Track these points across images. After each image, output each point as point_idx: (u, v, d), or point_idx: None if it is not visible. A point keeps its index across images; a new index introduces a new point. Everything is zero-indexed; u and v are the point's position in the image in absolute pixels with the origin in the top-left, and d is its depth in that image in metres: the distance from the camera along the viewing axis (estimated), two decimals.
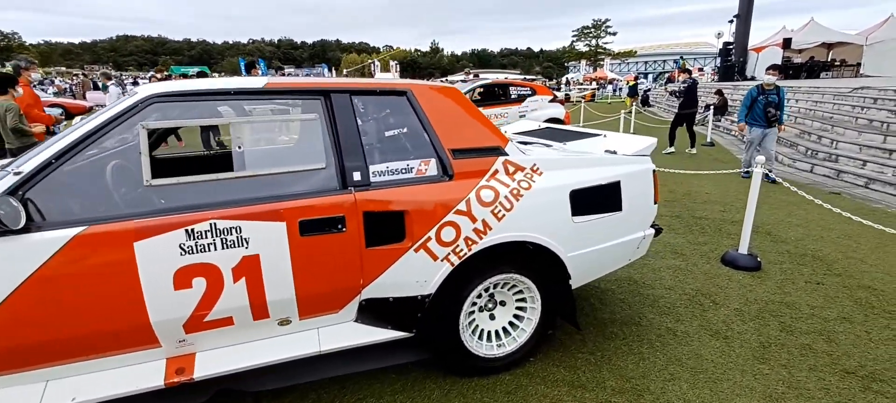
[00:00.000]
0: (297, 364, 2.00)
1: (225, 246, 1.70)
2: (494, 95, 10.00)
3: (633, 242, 2.49)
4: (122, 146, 1.89)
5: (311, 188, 1.86)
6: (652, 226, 2.65)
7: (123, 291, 1.60)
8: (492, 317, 2.37)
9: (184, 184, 1.72)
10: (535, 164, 2.21)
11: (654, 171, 2.51)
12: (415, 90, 2.11)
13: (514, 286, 2.30)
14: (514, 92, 9.82)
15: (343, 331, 2.04)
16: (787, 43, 19.61)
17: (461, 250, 2.02)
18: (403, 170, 2.01)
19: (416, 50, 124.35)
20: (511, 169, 2.16)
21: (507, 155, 2.17)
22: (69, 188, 1.65)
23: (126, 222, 1.60)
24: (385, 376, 2.32)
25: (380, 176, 1.97)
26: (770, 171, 6.00)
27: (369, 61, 58.21)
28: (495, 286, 2.27)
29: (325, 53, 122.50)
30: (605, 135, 2.94)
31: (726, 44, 20.58)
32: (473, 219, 2.02)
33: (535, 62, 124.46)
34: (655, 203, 2.54)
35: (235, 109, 2.10)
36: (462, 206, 2.00)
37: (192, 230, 1.65)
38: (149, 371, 1.74)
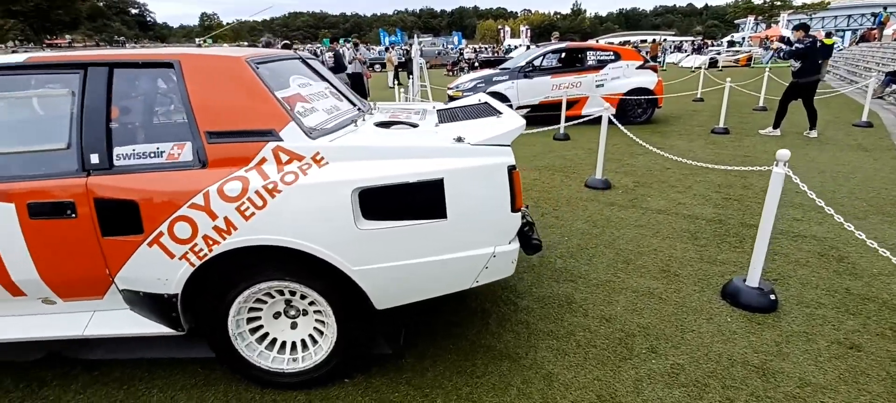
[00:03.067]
0: (124, 342, 2.08)
1: None
2: (572, 62, 8.87)
3: (475, 260, 1.89)
4: None
5: (46, 170, 1.78)
6: (525, 241, 2.00)
7: None
8: (294, 326, 2.06)
9: None
10: (317, 153, 1.79)
11: (511, 168, 1.84)
12: (184, 62, 1.85)
13: (306, 296, 1.95)
14: (592, 58, 8.55)
15: (117, 319, 1.97)
16: None
17: (201, 250, 1.75)
18: (153, 154, 1.80)
19: (556, 13, 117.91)
20: (284, 157, 1.78)
21: (281, 140, 1.79)
22: None
23: None
24: (193, 370, 2.21)
25: (125, 159, 1.79)
26: None
27: (498, 27, 57.02)
28: (288, 293, 1.95)
29: (462, 21, 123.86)
30: (500, 115, 2.28)
31: None
32: (213, 216, 1.72)
33: (696, 20, 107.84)
34: (515, 210, 1.88)
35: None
36: (198, 200, 1.72)
37: None
38: None
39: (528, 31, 50.50)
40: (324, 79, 2.56)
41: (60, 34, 50.63)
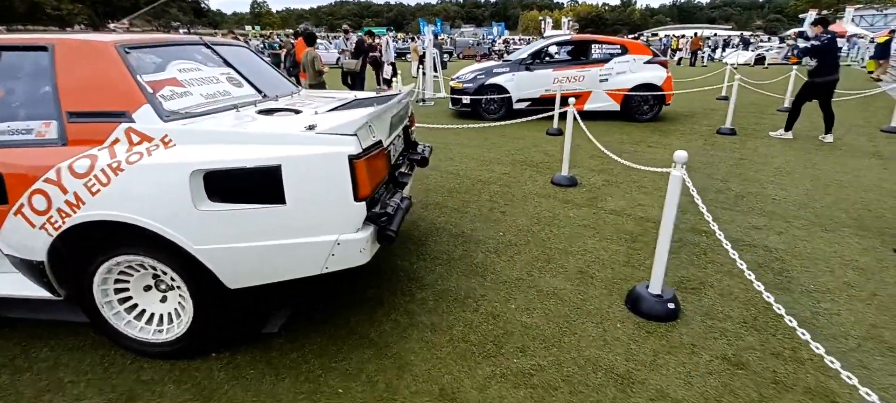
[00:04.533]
0: (42, 304, 2.23)
1: None
2: (577, 55, 8.61)
3: (319, 247, 1.92)
4: None
5: None
6: (378, 230, 2.01)
7: None
8: (164, 300, 2.18)
9: None
10: (166, 135, 1.87)
11: (353, 158, 1.85)
12: (58, 46, 1.98)
13: (167, 271, 2.05)
14: (596, 51, 8.24)
15: (9, 281, 2.16)
16: None
17: (56, 221, 1.88)
18: (23, 131, 1.95)
19: (605, 4, 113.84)
20: (135, 138, 1.88)
21: (133, 122, 1.89)
22: None
23: None
24: (85, 333, 2.36)
25: (9, 135, 1.95)
26: None
27: (539, 18, 55.73)
28: (152, 267, 2.06)
29: (506, 11, 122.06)
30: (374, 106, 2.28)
31: None
32: (64, 190, 1.84)
33: (756, 14, 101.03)
34: (359, 199, 1.89)
35: None
36: (51, 175, 1.85)
37: None
38: None
39: (571, 22, 49.11)
40: (228, 65, 2.65)
41: (116, 18, 53.78)
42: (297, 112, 2.33)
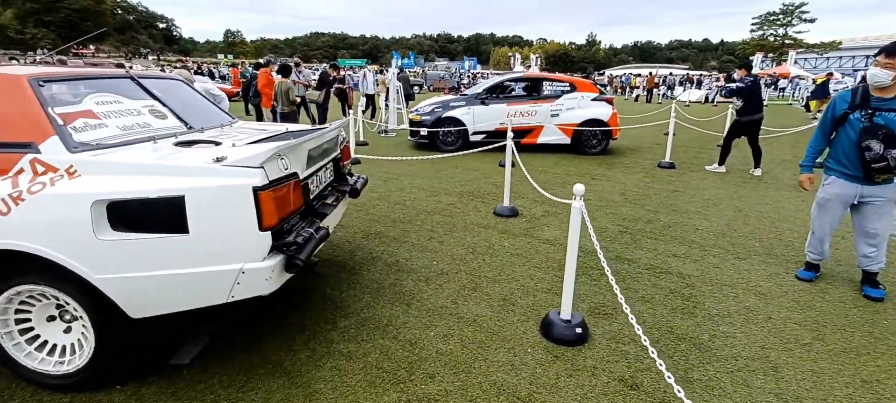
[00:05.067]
0: None
1: None
2: (529, 91, 9.00)
3: (224, 276, 1.96)
4: None
5: None
6: (287, 258, 2.07)
7: None
8: (68, 330, 2.15)
9: None
10: (71, 166, 1.91)
11: (256, 189, 1.93)
12: None
13: (69, 302, 2.04)
14: (548, 88, 8.66)
15: None
16: None
17: None
18: None
19: (571, 43, 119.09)
20: (40, 168, 1.91)
21: (39, 153, 1.92)
22: None
23: None
24: None
25: None
26: (878, 285, 3.21)
27: (509, 54, 57.77)
28: (50, 297, 2.04)
29: (478, 46, 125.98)
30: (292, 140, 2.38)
31: None
32: None
33: (711, 56, 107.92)
34: (264, 229, 1.96)
35: None
36: None
37: None
38: None
39: (539, 59, 51.04)
40: (154, 98, 2.71)
41: (87, 45, 52.80)
42: (216, 144, 2.40)
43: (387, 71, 12.39)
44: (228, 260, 1.96)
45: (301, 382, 2.24)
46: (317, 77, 12.11)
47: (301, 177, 2.36)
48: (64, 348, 2.14)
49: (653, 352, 1.98)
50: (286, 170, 2.19)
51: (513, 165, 7.35)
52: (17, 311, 2.07)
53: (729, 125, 7.55)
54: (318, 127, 2.92)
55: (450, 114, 8.56)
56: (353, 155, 5.12)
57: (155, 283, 1.94)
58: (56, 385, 2.13)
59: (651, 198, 5.67)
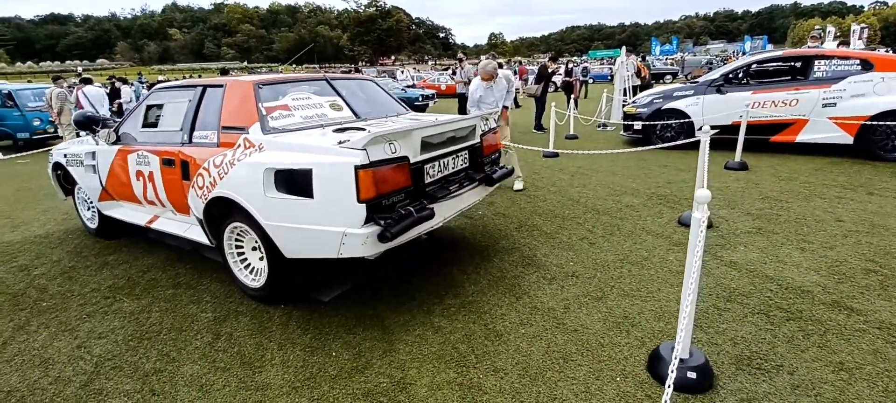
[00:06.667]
0: None
1: (147, 163, 3.47)
2: (790, 74, 6.92)
3: (333, 235, 2.44)
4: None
5: (169, 141, 3.33)
6: (381, 230, 2.41)
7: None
8: (262, 259, 3.08)
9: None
10: (262, 144, 2.74)
11: (358, 167, 2.33)
12: (228, 85, 3.10)
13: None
14: (821, 68, 6.45)
15: (194, 231, 3.44)
16: None
17: (205, 195, 2.95)
18: (206, 137, 3.11)
19: None
20: (246, 144, 2.81)
21: (248, 133, 2.82)
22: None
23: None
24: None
25: (200, 139, 3.17)
26: None
27: (815, 28, 44.14)
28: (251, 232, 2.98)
29: (772, 22, 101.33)
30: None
31: None
32: (209, 174, 2.89)
33: None
34: (361, 201, 2.35)
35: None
36: (207, 165, 2.92)
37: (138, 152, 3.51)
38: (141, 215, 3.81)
39: (865, 30, 37.15)
40: (338, 94, 3.47)
41: (388, 55, 68.05)
42: (362, 130, 2.94)
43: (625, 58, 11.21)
44: (336, 223, 2.44)
45: (388, 338, 2.57)
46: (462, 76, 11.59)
47: (413, 161, 2.66)
48: (257, 270, 3.09)
49: None
50: (394, 153, 2.53)
51: (744, 168, 5.95)
52: (236, 241, 3.10)
53: None
54: (441, 116, 3.15)
55: (672, 105, 7.42)
56: (507, 143, 5.11)
57: (295, 233, 2.59)
58: (252, 295, 3.08)
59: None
